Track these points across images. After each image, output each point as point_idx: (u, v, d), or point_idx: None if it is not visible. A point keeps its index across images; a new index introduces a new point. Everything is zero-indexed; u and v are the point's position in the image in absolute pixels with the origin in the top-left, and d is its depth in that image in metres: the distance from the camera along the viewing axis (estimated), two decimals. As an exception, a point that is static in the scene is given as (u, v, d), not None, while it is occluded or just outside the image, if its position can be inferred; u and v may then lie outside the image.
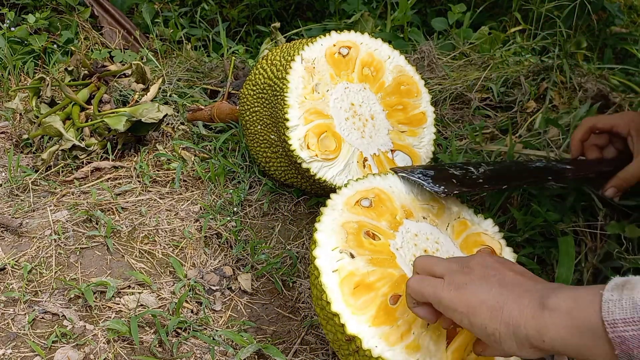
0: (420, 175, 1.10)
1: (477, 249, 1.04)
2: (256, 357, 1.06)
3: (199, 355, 1.05)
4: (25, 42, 2.49)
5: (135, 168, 1.60)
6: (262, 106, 1.39)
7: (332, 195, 1.02)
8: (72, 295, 1.16)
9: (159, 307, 1.16)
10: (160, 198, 1.48)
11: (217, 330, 1.10)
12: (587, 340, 0.63)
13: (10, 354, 1.03)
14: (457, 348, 0.88)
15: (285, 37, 2.38)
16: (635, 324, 0.59)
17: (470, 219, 1.10)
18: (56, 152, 1.62)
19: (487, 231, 1.09)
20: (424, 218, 1.06)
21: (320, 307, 0.92)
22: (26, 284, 1.19)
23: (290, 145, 1.23)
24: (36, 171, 1.59)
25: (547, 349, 0.67)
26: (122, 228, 1.35)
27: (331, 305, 0.87)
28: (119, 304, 1.16)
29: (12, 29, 2.49)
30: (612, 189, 1.14)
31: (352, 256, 0.92)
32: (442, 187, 1.06)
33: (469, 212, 1.12)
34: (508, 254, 1.06)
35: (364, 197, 1.03)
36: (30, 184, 1.53)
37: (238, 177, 1.56)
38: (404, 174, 1.10)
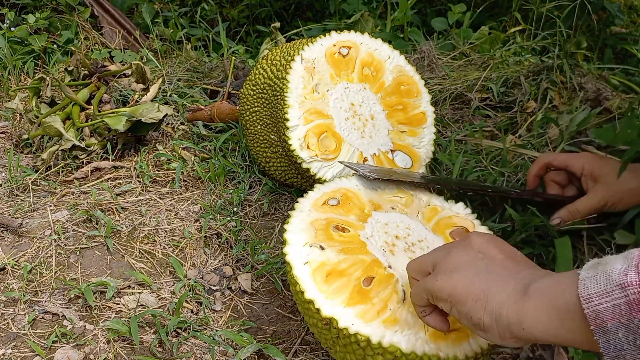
0: (360, 165, 1.18)
1: (449, 230, 1.06)
2: (256, 357, 1.06)
3: (199, 355, 1.05)
4: (25, 42, 2.49)
5: (135, 168, 1.60)
6: (262, 106, 1.39)
7: (299, 199, 1.06)
8: (72, 295, 1.17)
9: (159, 307, 1.16)
10: (160, 198, 1.48)
11: (217, 330, 1.10)
12: (565, 320, 0.62)
13: (10, 354, 1.03)
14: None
15: (285, 37, 2.38)
16: (608, 295, 0.58)
17: (441, 205, 1.13)
18: (56, 152, 1.62)
19: (459, 214, 1.11)
20: (392, 209, 1.10)
21: (299, 302, 0.93)
22: (26, 284, 1.19)
23: (290, 145, 1.23)
24: (36, 171, 1.59)
25: (528, 337, 0.66)
26: (122, 228, 1.35)
27: (305, 293, 0.89)
28: (119, 304, 1.16)
29: (12, 29, 2.49)
30: (558, 219, 1.18)
31: (322, 248, 0.95)
32: (374, 174, 1.12)
33: (439, 199, 1.14)
34: (483, 231, 1.07)
35: (331, 197, 1.08)
36: (30, 184, 1.53)
37: (238, 177, 1.56)
38: (344, 164, 1.20)
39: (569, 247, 1.10)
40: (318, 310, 0.87)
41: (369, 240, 1.00)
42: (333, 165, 1.26)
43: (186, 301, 1.17)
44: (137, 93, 1.88)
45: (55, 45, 2.53)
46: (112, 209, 1.42)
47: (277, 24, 2.29)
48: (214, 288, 1.22)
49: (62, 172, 1.62)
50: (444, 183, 1.21)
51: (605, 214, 1.18)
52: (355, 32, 1.36)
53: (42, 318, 1.12)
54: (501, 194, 1.21)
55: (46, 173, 1.60)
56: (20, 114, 1.90)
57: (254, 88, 1.40)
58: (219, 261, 1.30)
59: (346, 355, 0.90)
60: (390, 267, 0.95)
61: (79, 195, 1.49)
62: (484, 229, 1.08)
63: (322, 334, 0.92)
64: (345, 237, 0.99)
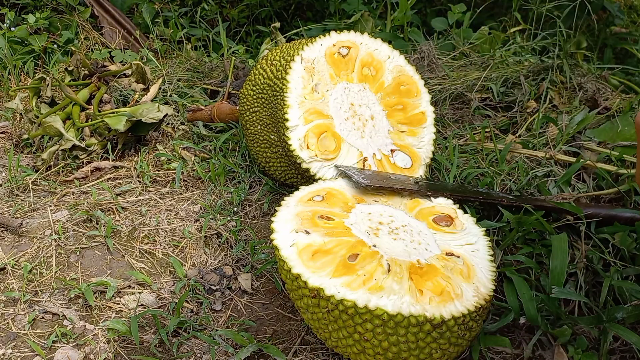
0: (355, 171, 1.22)
1: (432, 217, 1.12)
2: (256, 356, 1.06)
3: (199, 355, 1.05)
4: (25, 42, 2.49)
5: (135, 168, 1.60)
6: (262, 106, 1.39)
7: (285, 198, 1.11)
8: (72, 295, 1.17)
9: (159, 307, 1.16)
10: (160, 198, 1.48)
11: (217, 330, 1.10)
12: None
13: (10, 354, 1.03)
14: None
15: (285, 37, 2.38)
16: None
17: (422, 199, 1.19)
18: (56, 152, 1.62)
19: (440, 204, 1.17)
20: (375, 202, 1.16)
21: (288, 282, 0.96)
22: (26, 284, 1.19)
23: (290, 145, 1.23)
24: (36, 171, 1.59)
25: None
26: (122, 228, 1.35)
27: (292, 269, 0.92)
28: (119, 303, 1.16)
29: (12, 29, 2.49)
30: None
31: (308, 233, 1.00)
32: (368, 180, 1.17)
33: (419, 195, 1.20)
34: (466, 219, 1.13)
35: (316, 194, 1.13)
36: (30, 184, 1.53)
37: (238, 176, 1.56)
38: (340, 168, 1.23)
39: (566, 242, 1.10)
40: (305, 283, 0.90)
41: (353, 226, 1.04)
42: (332, 166, 1.26)
43: (186, 301, 1.17)
44: (137, 93, 1.88)
45: (55, 45, 2.53)
46: (112, 208, 1.42)
47: (277, 24, 2.29)
48: (214, 288, 1.22)
49: (62, 172, 1.62)
50: (438, 190, 1.22)
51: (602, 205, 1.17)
52: (355, 32, 1.36)
53: (42, 318, 1.12)
54: (493, 200, 1.22)
55: (46, 173, 1.60)
56: (21, 114, 1.90)
57: (254, 88, 1.40)
58: (219, 261, 1.30)
59: (339, 333, 0.92)
60: (374, 246, 0.98)
61: (79, 195, 1.49)
62: (466, 217, 1.13)
63: (313, 316, 0.94)
64: (330, 224, 1.03)
